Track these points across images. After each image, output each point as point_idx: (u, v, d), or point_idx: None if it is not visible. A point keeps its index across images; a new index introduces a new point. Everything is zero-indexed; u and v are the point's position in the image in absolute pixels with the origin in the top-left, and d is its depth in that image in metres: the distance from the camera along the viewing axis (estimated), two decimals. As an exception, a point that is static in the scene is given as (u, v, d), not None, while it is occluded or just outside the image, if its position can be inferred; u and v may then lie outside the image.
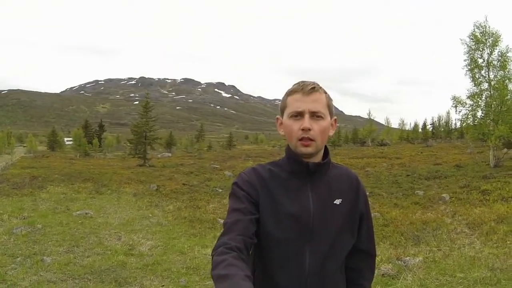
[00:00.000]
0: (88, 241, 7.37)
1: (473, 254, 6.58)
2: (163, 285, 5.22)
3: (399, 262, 6.12)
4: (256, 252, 1.50)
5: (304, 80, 1.48)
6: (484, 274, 5.51)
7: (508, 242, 7.19)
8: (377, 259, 5.86)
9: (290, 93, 1.47)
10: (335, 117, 1.54)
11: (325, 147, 1.54)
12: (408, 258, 6.24)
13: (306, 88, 1.43)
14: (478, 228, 8.27)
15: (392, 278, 5.44)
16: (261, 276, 1.48)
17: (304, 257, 1.44)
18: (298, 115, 1.43)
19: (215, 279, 1.13)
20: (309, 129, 1.40)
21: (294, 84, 1.48)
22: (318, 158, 1.51)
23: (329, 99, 1.49)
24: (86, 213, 9.80)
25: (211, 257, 1.26)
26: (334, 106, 1.57)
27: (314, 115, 1.42)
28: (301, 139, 1.42)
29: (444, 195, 11.83)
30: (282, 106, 1.52)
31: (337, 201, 1.50)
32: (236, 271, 1.12)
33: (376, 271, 5.12)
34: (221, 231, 1.37)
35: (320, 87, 1.46)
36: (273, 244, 1.44)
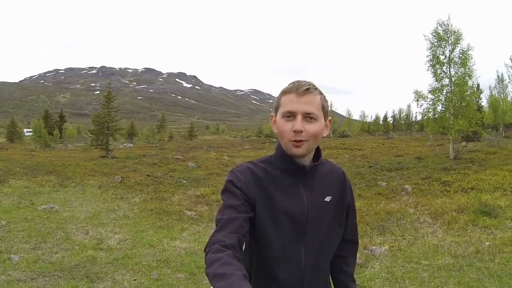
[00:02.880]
0: (55, 237, 7.21)
1: (436, 242, 6.89)
2: (135, 279, 5.21)
3: (366, 251, 6.34)
4: (253, 249, 1.51)
5: (299, 80, 1.47)
6: (447, 261, 5.81)
7: (469, 231, 7.53)
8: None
9: (284, 92, 1.47)
10: (330, 118, 1.56)
11: (317, 146, 1.56)
12: (374, 247, 6.47)
13: (301, 89, 1.42)
14: (440, 218, 8.58)
15: (360, 267, 5.63)
16: (259, 272, 1.51)
17: (300, 253, 1.49)
18: (291, 115, 1.43)
19: (211, 277, 1.12)
20: (301, 131, 1.41)
21: (289, 84, 1.47)
22: (309, 157, 1.53)
23: (324, 101, 1.49)
24: (51, 207, 9.57)
25: (204, 254, 1.26)
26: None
27: (307, 117, 1.42)
28: (292, 140, 1.43)
29: (406, 186, 12.11)
30: (276, 105, 1.51)
31: (328, 198, 1.55)
32: (233, 270, 1.12)
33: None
34: (216, 226, 1.36)
35: (316, 88, 1.46)
36: (270, 242, 1.46)
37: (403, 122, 73.10)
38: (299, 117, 1.41)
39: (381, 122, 76.55)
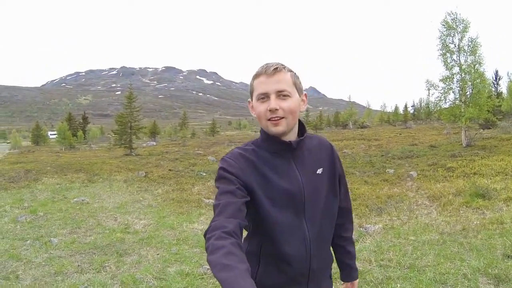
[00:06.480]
0: (88, 223, 8.19)
1: (427, 222, 7.33)
2: (157, 254, 6.09)
3: (361, 229, 6.94)
4: (260, 231, 1.54)
5: (268, 62, 1.53)
6: (433, 237, 6.23)
7: (461, 212, 7.91)
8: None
9: (255, 76, 1.51)
10: (305, 93, 1.60)
11: (300, 121, 1.60)
12: (369, 225, 7.06)
13: (269, 70, 1.46)
14: (437, 201, 8.97)
15: (353, 242, 6.26)
16: (269, 251, 1.55)
17: (304, 227, 1.54)
18: (265, 96, 1.47)
19: (213, 265, 1.12)
20: (276, 109, 1.44)
21: (259, 67, 1.51)
22: (294, 134, 1.57)
23: (294, 78, 1.52)
24: (82, 200, 10.58)
25: (205, 239, 1.27)
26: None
27: (280, 95, 1.46)
28: (269, 119, 1.47)
29: (412, 172, 12.46)
30: (250, 90, 1.56)
31: (319, 171, 1.60)
32: (236, 263, 1.11)
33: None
34: (215, 212, 1.36)
35: (284, 67, 1.50)
36: (275, 222, 1.49)
37: (422, 111, 72.35)
38: (273, 96, 1.45)
39: (401, 112, 75.86)
